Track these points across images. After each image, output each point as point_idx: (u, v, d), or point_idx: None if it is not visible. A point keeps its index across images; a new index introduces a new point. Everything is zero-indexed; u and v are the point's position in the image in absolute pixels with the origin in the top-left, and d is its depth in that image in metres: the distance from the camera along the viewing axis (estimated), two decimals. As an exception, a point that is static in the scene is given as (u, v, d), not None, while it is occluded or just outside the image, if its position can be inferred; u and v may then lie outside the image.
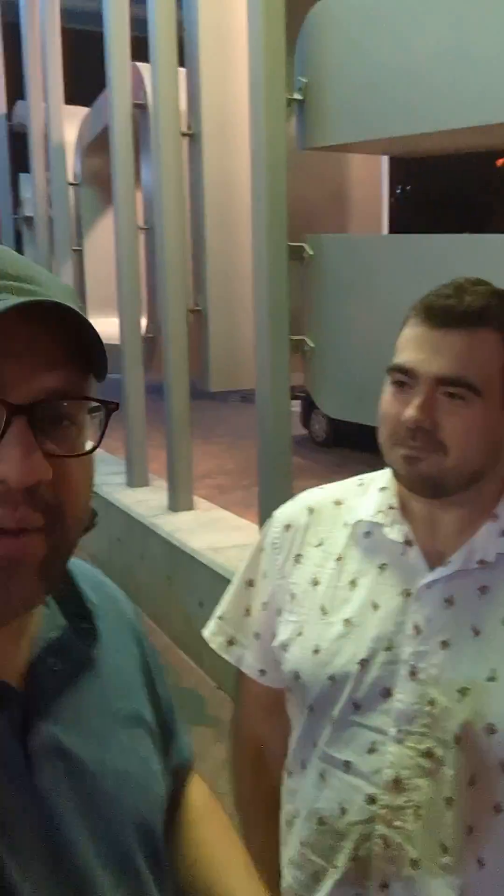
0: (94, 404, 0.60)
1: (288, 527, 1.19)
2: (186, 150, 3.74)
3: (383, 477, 1.15)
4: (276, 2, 2.75)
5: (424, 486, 1.02)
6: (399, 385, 1.01)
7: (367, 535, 1.12)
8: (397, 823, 1.01)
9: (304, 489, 1.27)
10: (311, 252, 2.86)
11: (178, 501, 3.85)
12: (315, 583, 1.14)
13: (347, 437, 8.02)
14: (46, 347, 0.56)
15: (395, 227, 4.05)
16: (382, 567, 1.09)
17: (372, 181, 3.66)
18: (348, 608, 1.09)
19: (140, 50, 4.23)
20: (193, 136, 3.67)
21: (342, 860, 1.04)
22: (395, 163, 3.83)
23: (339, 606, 1.10)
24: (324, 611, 1.11)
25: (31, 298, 0.54)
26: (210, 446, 8.52)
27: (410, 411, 0.98)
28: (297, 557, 1.16)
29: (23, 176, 7.25)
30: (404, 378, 1.00)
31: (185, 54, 3.68)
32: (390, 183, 3.98)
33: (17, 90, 6.71)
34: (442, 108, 2.40)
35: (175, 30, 3.69)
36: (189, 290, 3.86)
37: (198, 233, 3.78)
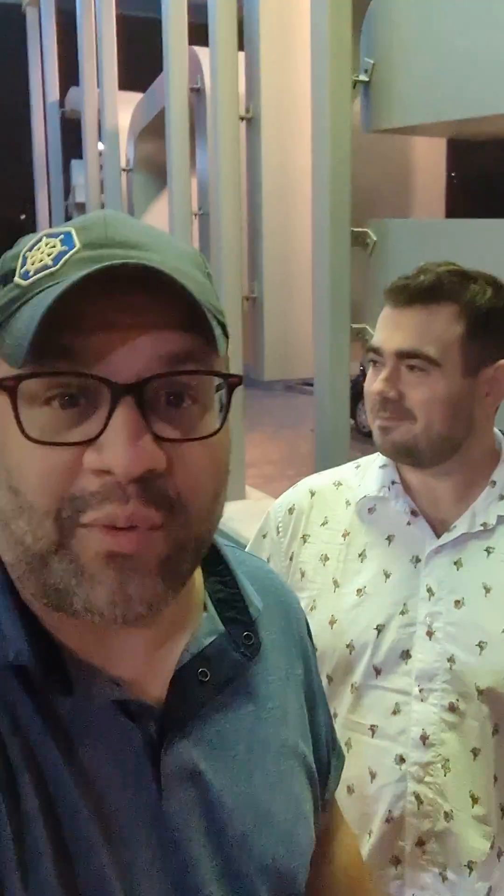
0: (220, 381, 0.53)
1: (291, 510, 1.24)
2: (244, 133, 3.70)
3: (381, 457, 1.21)
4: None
5: (398, 453, 1.09)
6: (373, 364, 1.10)
7: (371, 510, 1.18)
8: (428, 779, 1.04)
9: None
10: (374, 237, 2.80)
11: (230, 490, 3.83)
12: (324, 559, 1.18)
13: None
14: (155, 319, 0.48)
15: (448, 212, 3.97)
16: (390, 538, 1.14)
17: (436, 165, 3.57)
18: (360, 578, 1.14)
19: (196, 35, 4.19)
20: (252, 120, 3.63)
21: (377, 823, 1.06)
22: (447, 146, 3.76)
23: (350, 578, 1.15)
24: (336, 583, 1.15)
25: (105, 264, 0.46)
26: (254, 435, 8.50)
27: (377, 384, 1.06)
28: (304, 537, 1.21)
29: (74, 162, 7.27)
30: (376, 357, 1.09)
31: (244, 37, 3.63)
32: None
33: (69, 77, 6.73)
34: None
35: (235, 12, 3.64)
36: (244, 277, 3.82)
37: (254, 218, 3.74)
